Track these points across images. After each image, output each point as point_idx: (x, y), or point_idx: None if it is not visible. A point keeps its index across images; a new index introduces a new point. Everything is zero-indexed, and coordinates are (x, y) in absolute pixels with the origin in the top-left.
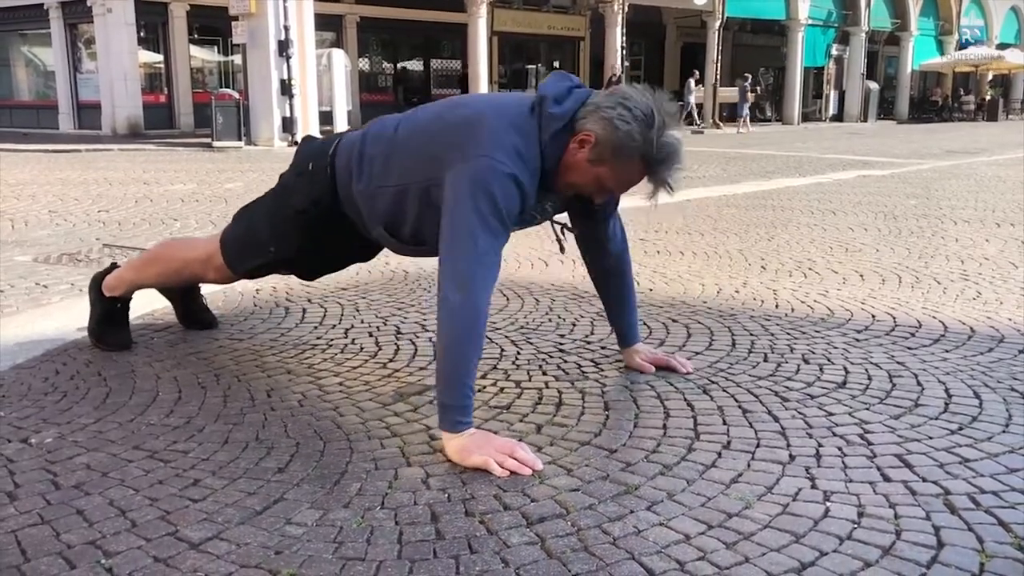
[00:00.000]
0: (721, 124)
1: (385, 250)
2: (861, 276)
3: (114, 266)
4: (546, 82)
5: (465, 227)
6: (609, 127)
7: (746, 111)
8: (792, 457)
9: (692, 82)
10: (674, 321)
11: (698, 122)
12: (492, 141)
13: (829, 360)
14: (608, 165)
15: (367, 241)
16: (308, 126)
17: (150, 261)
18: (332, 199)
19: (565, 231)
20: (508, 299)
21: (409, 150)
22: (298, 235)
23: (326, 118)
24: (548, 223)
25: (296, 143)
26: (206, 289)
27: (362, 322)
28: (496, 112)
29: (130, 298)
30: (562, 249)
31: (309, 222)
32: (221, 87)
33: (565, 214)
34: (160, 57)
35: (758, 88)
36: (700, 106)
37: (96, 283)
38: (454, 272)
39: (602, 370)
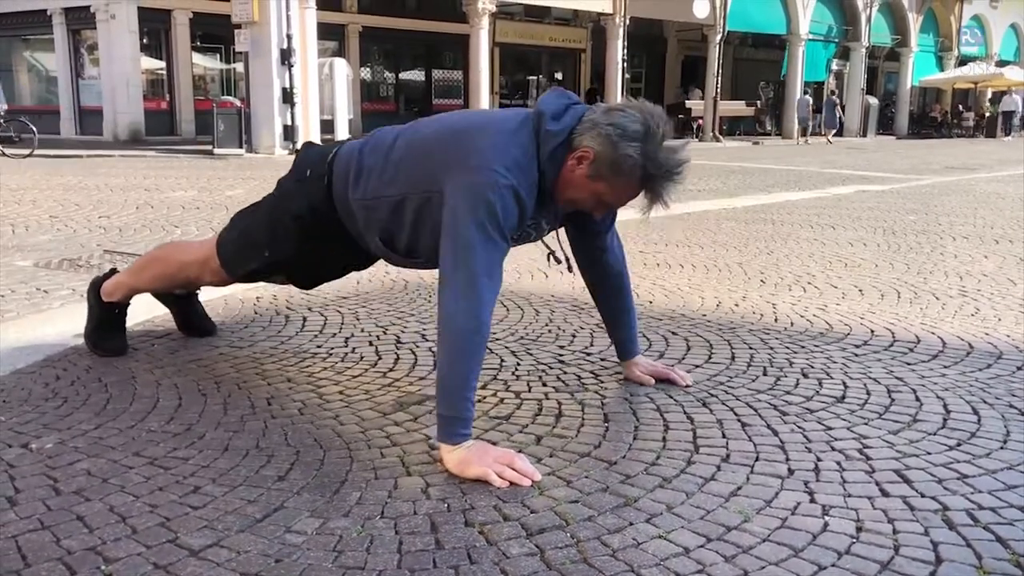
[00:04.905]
0: (721, 137)
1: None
2: (860, 291)
3: (113, 271)
4: (544, 99)
5: (466, 239)
6: (607, 143)
7: (837, 121)
8: (791, 471)
9: (809, 98)
10: (673, 334)
11: (808, 136)
12: (493, 153)
13: (828, 374)
14: (606, 181)
15: (362, 250)
16: (309, 134)
17: (146, 264)
18: (329, 206)
19: (552, 258)
20: (508, 310)
21: (408, 161)
22: (294, 241)
23: (327, 127)
24: (542, 245)
25: (297, 151)
26: (206, 296)
27: (362, 331)
28: (496, 126)
29: (128, 304)
30: (559, 261)
31: (305, 228)
32: (223, 95)
33: (553, 237)
34: (162, 64)
35: (757, 103)
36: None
37: (95, 288)
38: (455, 283)
39: (602, 382)
